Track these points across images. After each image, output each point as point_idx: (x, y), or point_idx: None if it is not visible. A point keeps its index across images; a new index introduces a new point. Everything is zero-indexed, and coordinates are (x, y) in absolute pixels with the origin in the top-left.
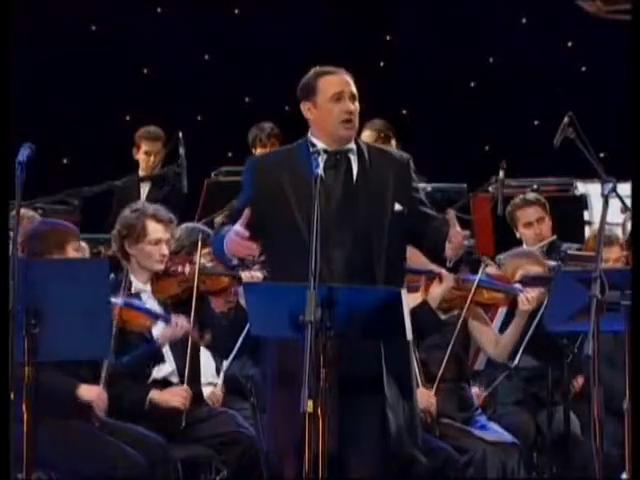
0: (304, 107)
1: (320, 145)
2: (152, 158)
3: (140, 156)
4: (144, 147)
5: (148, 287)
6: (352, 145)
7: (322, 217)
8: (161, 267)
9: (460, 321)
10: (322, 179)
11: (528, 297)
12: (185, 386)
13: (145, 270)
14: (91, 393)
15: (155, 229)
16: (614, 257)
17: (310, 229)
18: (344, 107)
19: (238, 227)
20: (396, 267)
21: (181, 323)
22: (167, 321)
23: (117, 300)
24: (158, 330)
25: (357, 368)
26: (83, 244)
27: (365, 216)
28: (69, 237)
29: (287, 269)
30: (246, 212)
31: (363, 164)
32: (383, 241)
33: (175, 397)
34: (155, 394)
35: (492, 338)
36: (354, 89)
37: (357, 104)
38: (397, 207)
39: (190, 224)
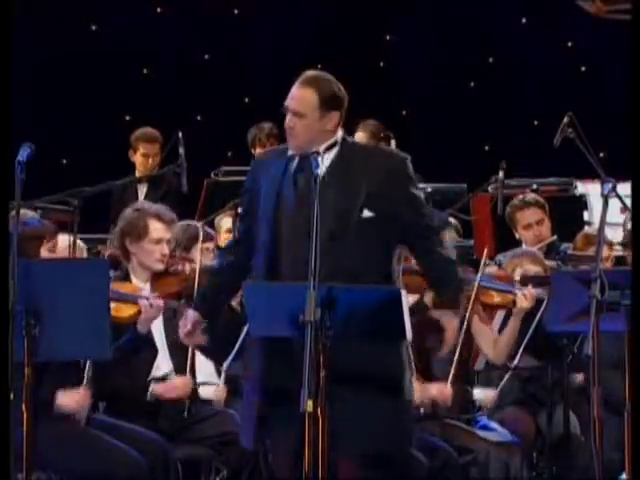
0: None
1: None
2: (150, 160)
3: (137, 158)
4: (142, 149)
5: (147, 286)
6: (321, 150)
7: (287, 220)
8: (161, 266)
9: (465, 322)
10: (294, 183)
11: (526, 294)
12: (187, 376)
13: (145, 269)
14: (69, 401)
15: (157, 228)
16: (603, 255)
17: (274, 229)
18: (286, 120)
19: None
20: (362, 274)
21: (154, 302)
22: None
23: None
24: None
25: (344, 366)
26: (81, 244)
27: (327, 224)
28: (42, 241)
29: (255, 270)
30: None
31: (335, 168)
32: (345, 249)
33: (177, 389)
34: (157, 388)
35: (491, 340)
36: (298, 105)
37: (303, 120)
38: (366, 213)
39: (184, 222)
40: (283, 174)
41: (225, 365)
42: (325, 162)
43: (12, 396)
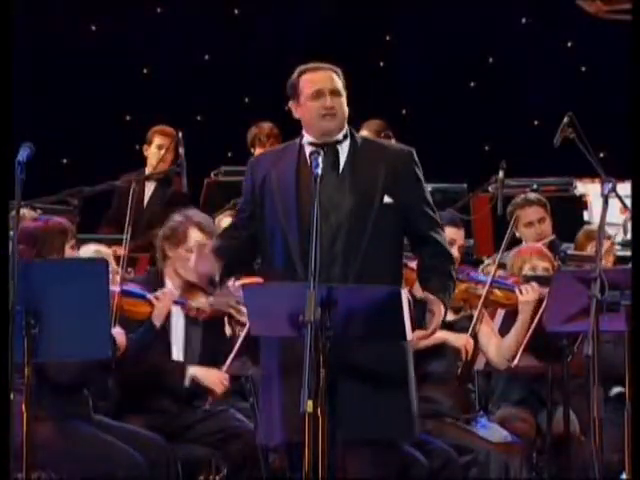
0: (291, 106)
1: (308, 139)
2: (163, 152)
3: (151, 150)
4: (157, 141)
5: (177, 293)
6: (340, 137)
7: (306, 209)
8: (193, 277)
9: (474, 322)
10: (309, 171)
11: (528, 288)
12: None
13: (178, 276)
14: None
15: (196, 237)
16: (605, 250)
17: (290, 225)
18: (323, 103)
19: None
20: (378, 260)
21: (162, 295)
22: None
23: (114, 288)
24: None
25: (348, 362)
26: (104, 249)
27: (348, 206)
28: (67, 236)
29: (271, 269)
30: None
31: (353, 156)
32: (364, 233)
33: (216, 380)
34: (197, 371)
35: (498, 345)
36: (335, 84)
37: (341, 98)
38: (386, 199)
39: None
40: (297, 165)
41: (225, 365)
42: (343, 150)
43: (12, 396)
